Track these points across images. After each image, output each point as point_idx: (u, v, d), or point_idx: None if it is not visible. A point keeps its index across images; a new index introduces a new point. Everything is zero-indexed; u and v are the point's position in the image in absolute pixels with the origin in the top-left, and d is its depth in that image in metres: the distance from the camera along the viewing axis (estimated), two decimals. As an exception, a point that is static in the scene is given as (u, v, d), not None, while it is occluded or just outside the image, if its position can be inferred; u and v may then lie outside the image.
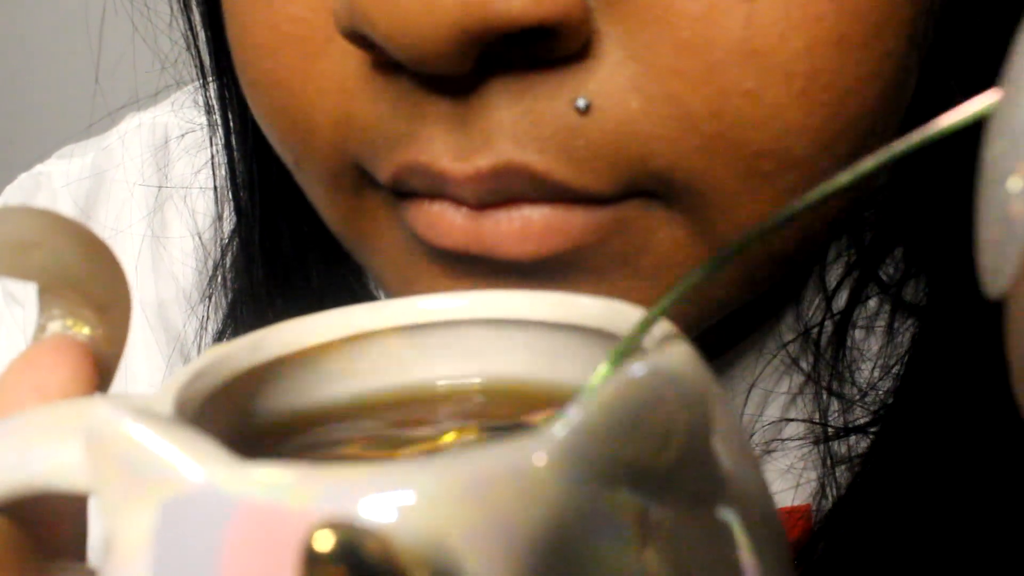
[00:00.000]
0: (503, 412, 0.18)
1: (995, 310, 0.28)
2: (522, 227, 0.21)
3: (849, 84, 0.20)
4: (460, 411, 0.19)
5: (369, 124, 0.22)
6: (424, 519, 0.11)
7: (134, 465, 0.13)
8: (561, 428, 0.12)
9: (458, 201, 0.22)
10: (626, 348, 0.15)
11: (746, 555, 0.14)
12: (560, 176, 0.20)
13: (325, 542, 0.11)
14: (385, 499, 0.12)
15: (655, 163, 0.20)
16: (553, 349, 0.18)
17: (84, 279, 0.19)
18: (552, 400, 0.18)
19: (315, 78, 0.22)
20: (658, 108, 0.20)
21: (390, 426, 0.18)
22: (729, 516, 0.14)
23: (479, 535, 0.12)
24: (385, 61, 0.20)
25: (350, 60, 0.21)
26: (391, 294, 0.26)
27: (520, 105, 0.20)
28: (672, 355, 0.14)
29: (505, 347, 0.19)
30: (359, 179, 0.24)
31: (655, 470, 0.13)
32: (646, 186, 0.21)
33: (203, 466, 0.13)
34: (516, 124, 0.20)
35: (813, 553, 0.30)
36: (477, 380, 0.19)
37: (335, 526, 0.11)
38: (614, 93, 0.20)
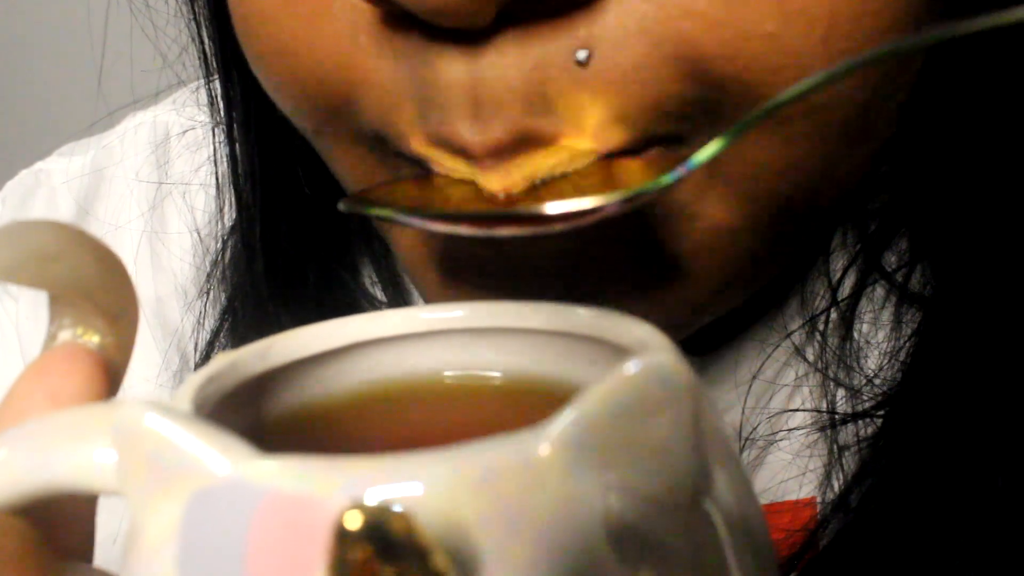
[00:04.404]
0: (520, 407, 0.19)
1: (998, 298, 0.28)
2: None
3: (868, 33, 0.20)
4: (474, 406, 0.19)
5: (382, 86, 0.21)
6: (440, 505, 0.12)
7: (161, 460, 0.14)
8: (563, 421, 0.13)
9: None
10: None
11: (726, 543, 0.15)
12: (569, 138, 0.20)
13: (355, 520, 0.12)
14: (404, 487, 0.13)
15: (663, 107, 0.20)
16: (554, 353, 0.19)
17: (97, 290, 0.19)
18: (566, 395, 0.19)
19: (321, 41, 0.22)
20: (666, 50, 0.19)
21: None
22: (711, 507, 0.15)
23: (491, 520, 0.13)
24: (396, 14, 0.20)
25: (358, 19, 0.21)
26: (408, 259, 0.26)
27: (529, 59, 0.20)
28: (659, 353, 0.15)
29: (511, 350, 0.19)
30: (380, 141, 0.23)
31: (647, 458, 0.14)
32: (660, 132, 0.21)
33: (229, 459, 0.13)
34: (526, 81, 0.20)
35: (817, 542, 0.30)
36: (496, 374, 0.20)
37: (363, 507, 0.12)
38: (620, 38, 0.19)
